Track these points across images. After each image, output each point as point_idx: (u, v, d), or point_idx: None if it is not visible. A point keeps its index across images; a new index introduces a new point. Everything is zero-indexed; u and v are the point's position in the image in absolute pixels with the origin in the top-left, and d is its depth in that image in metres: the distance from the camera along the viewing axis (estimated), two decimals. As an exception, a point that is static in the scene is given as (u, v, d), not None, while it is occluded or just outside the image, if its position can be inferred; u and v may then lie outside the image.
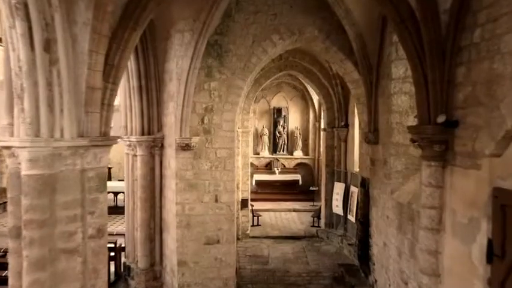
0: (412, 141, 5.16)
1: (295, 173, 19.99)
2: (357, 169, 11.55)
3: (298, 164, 20.42)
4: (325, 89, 12.89)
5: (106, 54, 4.88)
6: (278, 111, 20.62)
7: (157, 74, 8.21)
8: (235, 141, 8.56)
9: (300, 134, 20.45)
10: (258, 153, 20.56)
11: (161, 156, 8.42)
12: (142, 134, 8.29)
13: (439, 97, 4.69)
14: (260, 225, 14.38)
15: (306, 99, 20.55)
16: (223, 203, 7.75)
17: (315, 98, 19.70)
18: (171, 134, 7.75)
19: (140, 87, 8.17)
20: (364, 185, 8.50)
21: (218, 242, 7.79)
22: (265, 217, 15.58)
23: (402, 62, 6.60)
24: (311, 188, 17.83)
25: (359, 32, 7.38)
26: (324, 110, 13.43)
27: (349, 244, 11.28)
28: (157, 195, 8.46)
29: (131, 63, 7.97)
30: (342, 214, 12.12)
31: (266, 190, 19.25)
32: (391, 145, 6.74)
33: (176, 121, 7.51)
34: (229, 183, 7.76)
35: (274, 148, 20.61)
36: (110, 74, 4.96)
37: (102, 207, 4.94)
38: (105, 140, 4.87)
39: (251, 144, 20.30)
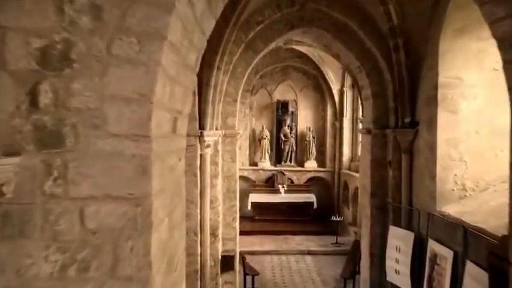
0: None
1: (308, 191, 14.48)
2: (440, 208, 5.99)
3: (311, 179, 14.89)
4: (370, 59, 7.33)
5: None
6: (283, 106, 15.16)
7: None
8: (179, 167, 2.99)
9: (313, 137, 14.96)
10: (256, 164, 15.05)
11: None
12: None
13: None
14: (257, 289, 8.84)
15: (321, 89, 15.08)
16: None
17: (335, 87, 14.24)
18: None
19: None
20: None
21: None
22: (266, 267, 10.04)
23: None
24: (333, 219, 12.22)
25: None
26: (366, 98, 7.83)
27: None
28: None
29: None
30: (409, 290, 6.55)
31: (267, 216, 13.78)
32: None
33: None
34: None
35: (278, 157, 15.09)
36: None
37: None
38: None
39: (245, 152, 14.82)
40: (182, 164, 3.26)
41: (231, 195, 7.74)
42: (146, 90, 2.13)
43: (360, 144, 12.53)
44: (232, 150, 7.73)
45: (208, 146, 6.62)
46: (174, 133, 2.81)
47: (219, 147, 7.21)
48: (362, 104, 8.60)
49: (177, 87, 2.67)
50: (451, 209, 5.80)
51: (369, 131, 7.62)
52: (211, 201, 6.86)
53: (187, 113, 3.18)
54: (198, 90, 6.49)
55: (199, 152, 6.48)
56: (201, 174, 6.52)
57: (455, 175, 5.96)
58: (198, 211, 6.57)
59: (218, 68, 6.60)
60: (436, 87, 6.03)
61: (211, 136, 6.63)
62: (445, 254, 5.52)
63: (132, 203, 2.16)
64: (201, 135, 6.39)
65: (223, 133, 7.37)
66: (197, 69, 3.26)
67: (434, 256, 5.80)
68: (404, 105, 6.80)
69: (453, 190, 5.97)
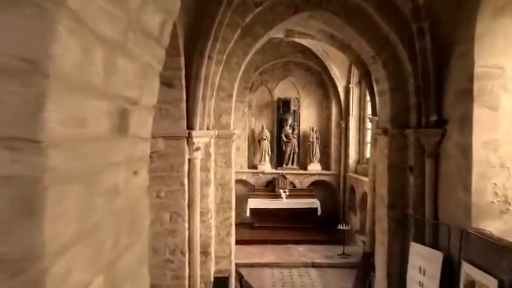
0: None
1: (311, 196, 13.45)
2: (477, 224, 4.97)
3: (315, 183, 13.87)
4: (388, 48, 6.30)
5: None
6: (285, 105, 14.15)
7: None
8: (135, 185, 1.86)
9: (317, 138, 13.93)
10: (255, 167, 14.03)
11: None
12: None
13: None
14: (256, 310, 7.83)
15: (325, 86, 14.07)
16: None
17: (341, 84, 13.23)
18: None
19: None
20: None
21: None
22: (266, 283, 9.04)
23: None
24: (339, 227, 11.18)
25: None
26: (382, 93, 6.81)
27: None
28: None
29: None
30: (437, 320, 5.53)
31: (267, 223, 12.77)
32: None
33: None
34: None
35: (279, 159, 14.08)
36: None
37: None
38: None
39: (244, 154, 13.79)
40: (142, 177, 2.19)
41: (226, 205, 6.71)
42: (35, 52, 1.05)
43: (369, 145, 11.55)
44: (226, 153, 6.70)
45: (197, 148, 5.60)
46: (123, 134, 1.72)
47: (211, 150, 6.19)
48: (372, 100, 7.57)
49: (124, 61, 1.57)
50: (491, 226, 4.79)
51: (385, 131, 6.59)
52: (202, 214, 5.85)
53: (150, 104, 2.09)
54: (185, 83, 5.47)
55: (187, 157, 5.47)
56: (189, 183, 5.51)
57: (495, 184, 4.94)
58: (186, 226, 5.56)
59: (209, 57, 5.58)
60: (471, 79, 5.00)
61: (201, 137, 5.62)
62: (487, 283, 4.50)
63: (6, 269, 1.09)
64: (189, 136, 5.38)
65: (216, 133, 6.34)
66: (166, 41, 2.16)
67: (472, 284, 4.77)
68: (429, 100, 5.78)
69: (493, 203, 4.95)
